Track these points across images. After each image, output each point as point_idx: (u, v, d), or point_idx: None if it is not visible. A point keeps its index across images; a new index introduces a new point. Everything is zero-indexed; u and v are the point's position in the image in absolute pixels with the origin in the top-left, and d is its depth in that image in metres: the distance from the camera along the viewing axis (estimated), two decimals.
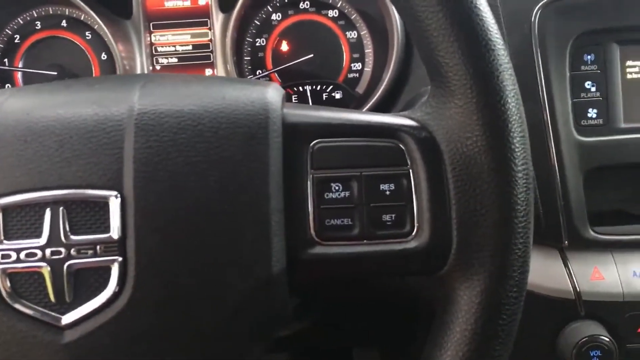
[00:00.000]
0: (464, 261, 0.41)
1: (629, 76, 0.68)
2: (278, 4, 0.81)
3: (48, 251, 0.39)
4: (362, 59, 0.82)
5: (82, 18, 0.79)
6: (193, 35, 0.81)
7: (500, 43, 0.41)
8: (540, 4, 0.65)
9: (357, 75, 0.82)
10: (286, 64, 0.81)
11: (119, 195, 0.39)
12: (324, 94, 0.82)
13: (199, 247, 0.40)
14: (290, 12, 0.81)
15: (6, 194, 0.39)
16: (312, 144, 0.43)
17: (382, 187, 0.43)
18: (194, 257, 0.40)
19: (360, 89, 0.82)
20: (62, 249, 0.39)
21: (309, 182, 0.43)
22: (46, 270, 0.39)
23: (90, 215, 0.39)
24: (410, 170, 0.43)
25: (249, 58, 0.81)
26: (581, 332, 0.67)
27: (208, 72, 0.81)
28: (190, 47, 0.81)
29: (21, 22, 0.80)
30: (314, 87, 0.81)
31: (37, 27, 0.80)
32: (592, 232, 0.67)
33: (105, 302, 0.39)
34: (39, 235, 0.39)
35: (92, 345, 0.39)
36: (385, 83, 0.76)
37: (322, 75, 0.81)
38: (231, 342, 0.41)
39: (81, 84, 0.45)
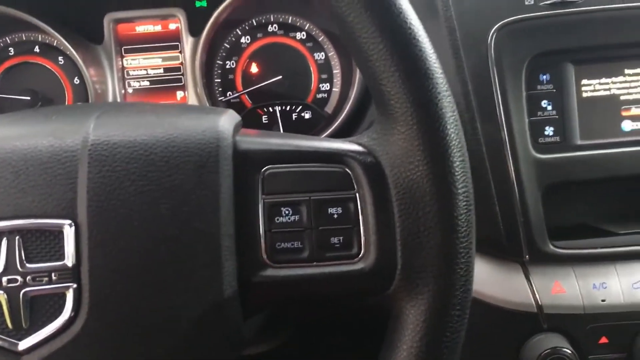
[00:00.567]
0: (409, 281, 0.43)
1: (584, 94, 0.70)
2: (247, 27, 0.83)
3: (4, 279, 0.40)
4: (330, 80, 0.84)
5: (54, 44, 0.81)
6: (164, 59, 0.83)
7: (439, 72, 0.43)
8: (495, 26, 0.67)
9: (326, 95, 0.84)
10: (256, 85, 0.83)
11: (73, 224, 0.40)
12: (293, 114, 0.84)
13: (151, 273, 0.41)
14: (259, 35, 0.83)
15: None
16: (263, 170, 0.45)
17: (330, 210, 0.44)
18: (146, 282, 0.41)
19: (329, 108, 0.84)
20: (18, 277, 0.40)
21: (260, 207, 0.44)
22: (3, 298, 0.40)
23: (45, 243, 0.41)
24: (357, 195, 0.44)
25: (219, 80, 0.83)
26: (544, 344, 0.68)
27: (180, 94, 0.83)
28: (161, 71, 0.83)
29: None
30: (283, 107, 0.83)
31: (10, 53, 0.82)
32: (551, 247, 0.69)
33: (61, 327, 0.40)
34: None
35: None
36: (350, 103, 0.78)
37: (292, 96, 0.83)
38: None
39: (39, 115, 0.47)
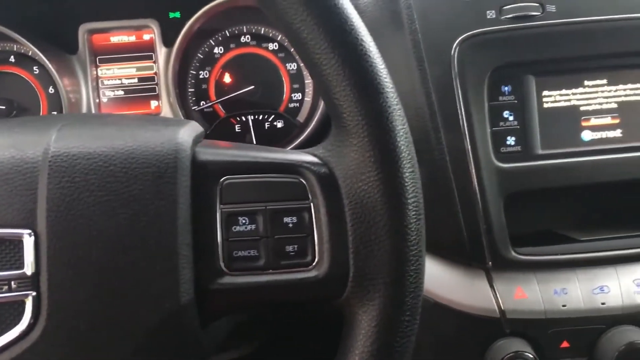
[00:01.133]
0: (361, 288, 0.45)
1: (545, 105, 0.72)
2: (220, 38, 0.84)
3: None
4: (302, 89, 0.85)
5: (29, 54, 0.82)
6: (138, 69, 0.84)
7: (390, 86, 0.45)
8: (458, 39, 0.69)
9: (298, 104, 0.86)
10: (229, 95, 0.84)
11: (32, 233, 0.42)
12: (266, 123, 0.85)
13: (109, 281, 0.42)
14: (232, 45, 0.85)
15: None
16: (221, 181, 0.46)
17: (285, 220, 0.46)
18: (104, 290, 0.42)
19: (301, 117, 0.85)
20: None
21: (217, 216, 0.46)
22: None
23: (5, 252, 0.42)
24: (312, 204, 0.46)
25: (192, 90, 0.85)
26: (506, 348, 0.70)
27: (154, 103, 0.84)
28: (135, 80, 0.84)
29: None
30: (256, 116, 0.85)
31: None
32: (514, 253, 0.70)
33: (20, 334, 0.41)
34: None
35: None
36: (320, 112, 0.80)
37: (264, 105, 0.85)
38: None
39: (3, 127, 0.48)
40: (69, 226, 0.42)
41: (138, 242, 0.43)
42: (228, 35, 0.84)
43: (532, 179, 0.71)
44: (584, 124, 0.72)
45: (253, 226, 0.46)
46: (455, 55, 0.69)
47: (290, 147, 0.80)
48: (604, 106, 0.72)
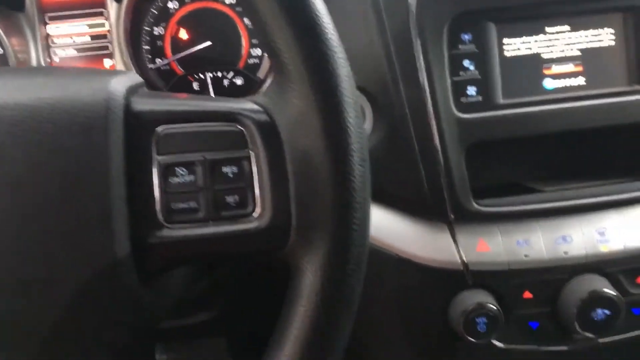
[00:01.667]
0: (304, 237, 0.43)
1: (506, 54, 0.70)
2: None
3: None
4: (261, 45, 0.83)
5: None
6: (90, 26, 0.81)
7: (331, 29, 0.43)
8: None
9: (258, 60, 0.83)
10: (185, 51, 0.81)
11: None
12: (225, 80, 0.83)
13: (41, 236, 0.41)
14: (186, 0, 0.81)
15: None
16: (157, 130, 0.44)
17: (225, 170, 0.44)
18: (37, 246, 0.41)
19: (262, 74, 0.83)
20: None
21: (154, 168, 0.44)
22: None
23: None
24: (252, 153, 0.44)
25: (148, 47, 0.82)
26: (469, 300, 0.70)
27: (107, 62, 0.81)
28: (88, 38, 0.81)
29: None
30: (215, 74, 0.82)
31: None
32: (475, 205, 0.70)
33: None
34: None
35: None
36: None
37: (223, 62, 0.82)
38: (81, 330, 0.43)
39: None
40: None
41: (68, 196, 0.41)
42: None
43: (493, 129, 0.70)
44: (546, 72, 0.71)
45: (192, 177, 0.44)
46: (414, 5, 0.67)
47: None
48: (567, 53, 0.71)
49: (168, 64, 0.82)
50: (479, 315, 0.69)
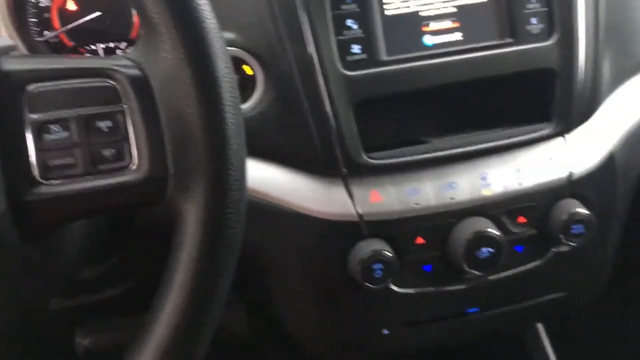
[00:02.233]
0: (181, 186, 0.45)
1: (387, 12, 0.73)
2: None
3: None
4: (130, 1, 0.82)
5: None
6: None
7: None
8: None
9: None
10: (74, 23, 0.80)
11: None
12: (118, 51, 0.82)
13: None
14: None
15: None
16: (28, 89, 0.45)
17: (99, 124, 0.45)
18: None
19: None
20: None
21: (27, 126, 0.44)
22: None
23: None
24: (126, 107, 0.45)
25: (35, 19, 0.80)
26: (366, 249, 0.73)
27: None
28: None
29: None
30: (107, 45, 0.82)
31: None
32: (366, 159, 0.73)
33: None
34: None
35: None
36: None
37: (114, 33, 0.82)
38: None
39: None
40: None
41: None
42: None
43: (379, 85, 0.73)
44: (425, 29, 0.75)
45: (66, 133, 0.45)
46: None
47: None
48: (444, 11, 0.75)
49: (56, 35, 0.80)
50: (375, 262, 0.73)
